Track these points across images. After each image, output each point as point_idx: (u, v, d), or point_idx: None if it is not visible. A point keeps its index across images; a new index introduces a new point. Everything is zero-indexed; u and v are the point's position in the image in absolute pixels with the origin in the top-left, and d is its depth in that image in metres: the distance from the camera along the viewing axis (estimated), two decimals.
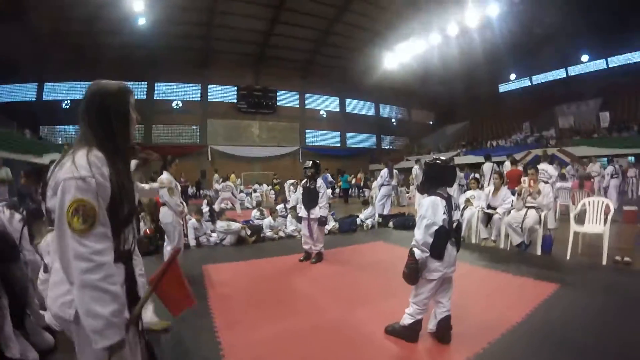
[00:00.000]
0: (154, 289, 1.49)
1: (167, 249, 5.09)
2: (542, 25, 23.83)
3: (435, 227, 2.86)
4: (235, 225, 7.74)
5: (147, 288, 1.51)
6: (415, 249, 2.90)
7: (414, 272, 2.88)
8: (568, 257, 5.63)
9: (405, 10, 23.97)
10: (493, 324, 3.30)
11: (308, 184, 6.04)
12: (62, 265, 1.32)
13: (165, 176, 4.78)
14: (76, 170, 1.29)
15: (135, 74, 25.00)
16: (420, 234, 2.88)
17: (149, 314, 3.21)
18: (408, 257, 2.90)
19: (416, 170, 13.16)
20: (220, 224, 7.72)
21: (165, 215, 4.83)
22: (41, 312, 3.02)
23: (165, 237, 5.14)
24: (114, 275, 1.32)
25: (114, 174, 1.39)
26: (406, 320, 3.03)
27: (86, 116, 1.45)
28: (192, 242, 7.44)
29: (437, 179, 3.08)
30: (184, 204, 5.39)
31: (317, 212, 5.89)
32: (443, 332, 3.00)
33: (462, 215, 5.94)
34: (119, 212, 1.41)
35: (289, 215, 8.66)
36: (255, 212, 9.90)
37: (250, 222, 8.97)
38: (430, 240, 2.86)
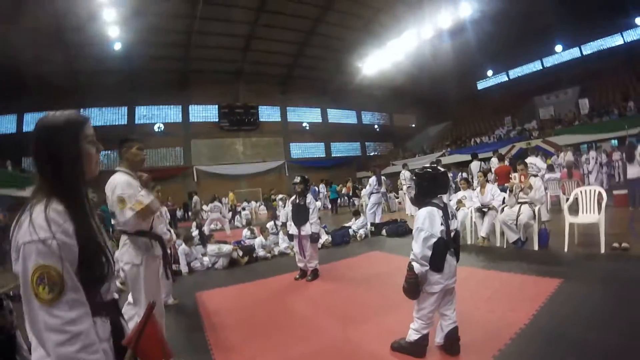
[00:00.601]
0: (134, 350, 1.34)
1: None
2: (514, 20, 24.18)
3: (434, 240, 2.76)
4: (227, 248, 7.54)
5: (129, 351, 1.34)
6: (414, 263, 2.79)
7: (414, 287, 2.77)
8: (566, 249, 5.58)
9: (380, 16, 24.24)
10: (500, 329, 3.20)
11: (297, 200, 5.90)
12: (35, 336, 1.18)
13: None
14: (34, 232, 1.13)
15: (114, 99, 24.82)
16: (419, 247, 2.78)
17: None
18: (407, 272, 2.80)
19: (404, 175, 13.14)
20: (211, 248, 7.50)
21: None
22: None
23: None
24: (94, 343, 1.17)
25: (79, 229, 1.22)
26: (412, 336, 2.91)
27: (37, 160, 1.29)
28: (184, 269, 7.23)
29: (430, 188, 2.98)
30: (171, 231, 5.21)
31: (308, 229, 5.75)
32: (451, 344, 2.88)
33: (458, 222, 5.88)
34: (93, 270, 1.25)
35: (280, 232, 8.48)
36: (245, 232, 9.72)
37: (242, 242, 8.77)
38: (429, 253, 2.76)
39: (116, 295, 1.46)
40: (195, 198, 16.69)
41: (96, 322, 1.24)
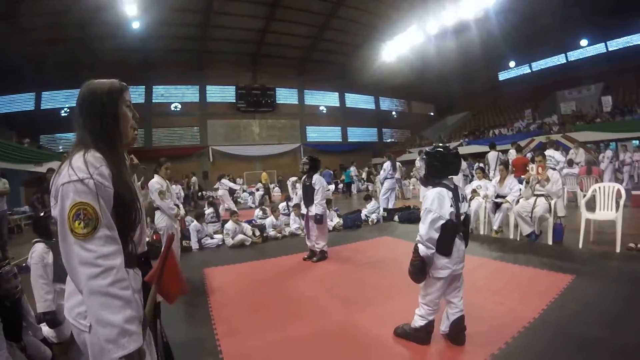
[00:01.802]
0: (158, 285, 1.42)
1: None
2: (540, 12, 23.52)
3: (442, 222, 2.64)
4: (246, 229, 7.64)
5: (153, 287, 1.43)
6: (419, 245, 2.70)
7: (419, 270, 2.69)
8: (580, 246, 5.44)
9: (402, 1, 23.69)
10: (508, 321, 3.13)
11: (306, 180, 5.91)
12: (69, 273, 1.25)
13: (155, 179, 4.62)
14: (73, 174, 1.22)
15: (132, 78, 24.55)
16: (425, 229, 2.67)
17: None
18: (412, 254, 2.72)
19: (419, 162, 12.97)
20: (230, 227, 7.55)
21: (159, 219, 4.67)
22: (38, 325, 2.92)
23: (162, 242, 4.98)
24: (125, 279, 1.22)
25: (115, 175, 1.31)
26: (417, 321, 2.85)
27: (80, 119, 1.41)
28: (195, 245, 7.32)
29: (440, 168, 2.86)
30: (179, 206, 5.23)
31: (313, 209, 5.74)
32: (456, 333, 2.81)
33: (469, 206, 5.79)
34: (126, 215, 1.34)
35: (292, 214, 8.48)
36: (258, 212, 9.78)
37: (253, 221, 8.83)
38: (436, 235, 2.64)
39: (146, 249, 1.55)
40: (194, 179, 16.78)
41: (129, 273, 1.30)
